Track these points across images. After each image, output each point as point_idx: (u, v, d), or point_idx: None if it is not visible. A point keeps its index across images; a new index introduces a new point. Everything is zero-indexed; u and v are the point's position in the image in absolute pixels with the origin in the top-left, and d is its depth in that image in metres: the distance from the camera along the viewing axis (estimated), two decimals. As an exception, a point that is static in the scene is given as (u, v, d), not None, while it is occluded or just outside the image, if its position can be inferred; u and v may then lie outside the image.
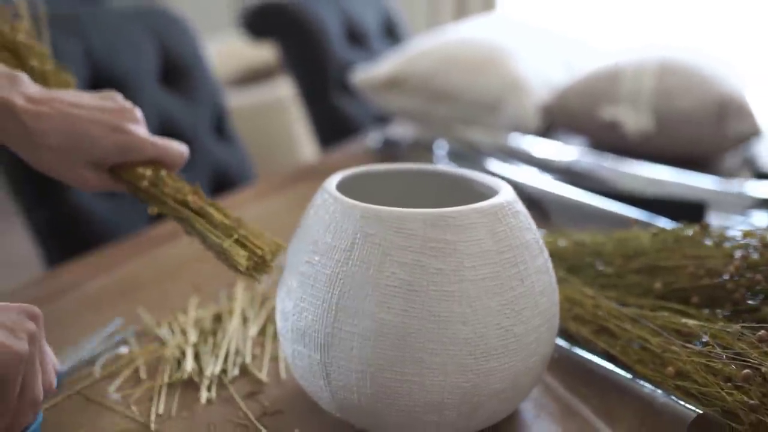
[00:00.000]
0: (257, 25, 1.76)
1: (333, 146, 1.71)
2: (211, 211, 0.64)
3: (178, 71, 1.33)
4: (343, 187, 0.60)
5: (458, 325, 0.51)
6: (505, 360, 0.53)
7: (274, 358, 0.70)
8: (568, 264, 0.76)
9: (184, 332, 0.73)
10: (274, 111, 2.29)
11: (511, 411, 0.59)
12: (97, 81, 1.15)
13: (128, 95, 1.18)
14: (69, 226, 1.09)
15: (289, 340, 0.57)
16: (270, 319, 0.77)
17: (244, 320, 0.76)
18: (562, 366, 0.68)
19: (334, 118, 1.77)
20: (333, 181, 0.60)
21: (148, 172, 0.67)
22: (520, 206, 0.58)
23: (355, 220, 0.54)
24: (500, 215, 0.54)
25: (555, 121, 1.46)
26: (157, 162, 0.68)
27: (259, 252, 0.60)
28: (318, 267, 0.55)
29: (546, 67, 1.54)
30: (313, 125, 1.81)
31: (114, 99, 0.68)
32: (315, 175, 1.31)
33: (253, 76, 2.43)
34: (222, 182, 1.37)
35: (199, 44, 1.41)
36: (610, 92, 1.36)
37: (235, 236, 0.61)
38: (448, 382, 0.52)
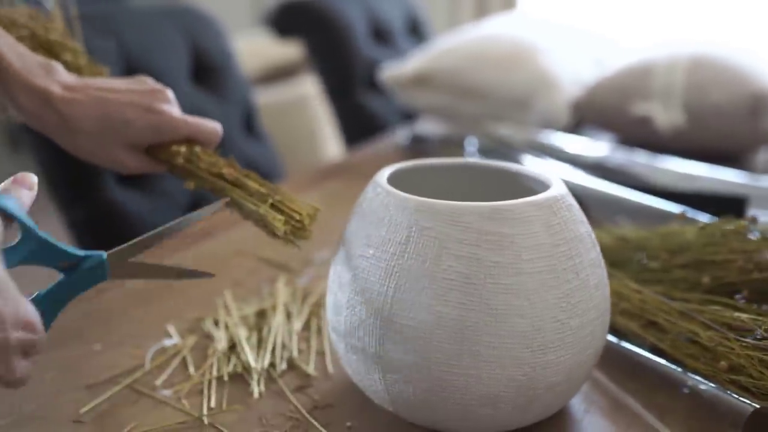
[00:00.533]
0: (283, 23, 1.77)
1: (358, 144, 1.71)
2: (247, 181, 0.65)
3: (208, 69, 1.34)
4: (392, 181, 0.61)
5: (515, 318, 0.51)
6: (561, 353, 0.53)
7: (320, 353, 0.70)
8: (612, 259, 0.76)
9: (228, 327, 0.74)
10: (297, 109, 2.29)
11: (564, 405, 0.59)
12: (130, 79, 1.16)
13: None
14: (105, 224, 1.10)
15: (341, 333, 0.57)
16: (313, 313, 0.77)
17: (288, 315, 0.76)
18: (610, 360, 0.67)
19: (360, 116, 1.77)
20: (384, 174, 0.60)
21: (183, 149, 0.68)
22: (572, 200, 0.58)
23: (409, 213, 0.54)
24: (555, 208, 0.54)
25: (584, 117, 1.45)
26: (192, 140, 0.70)
27: (296, 216, 0.61)
28: (372, 260, 0.55)
29: (574, 63, 1.54)
30: (339, 123, 1.81)
31: (145, 82, 0.70)
32: (345, 171, 1.31)
33: (276, 74, 2.44)
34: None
35: (229, 42, 1.42)
36: (642, 87, 1.36)
37: (271, 201, 0.62)
38: (504, 375, 0.52)
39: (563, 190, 0.57)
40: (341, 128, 1.81)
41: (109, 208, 1.10)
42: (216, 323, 0.75)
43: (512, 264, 0.52)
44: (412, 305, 0.52)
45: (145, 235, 0.56)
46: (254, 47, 2.44)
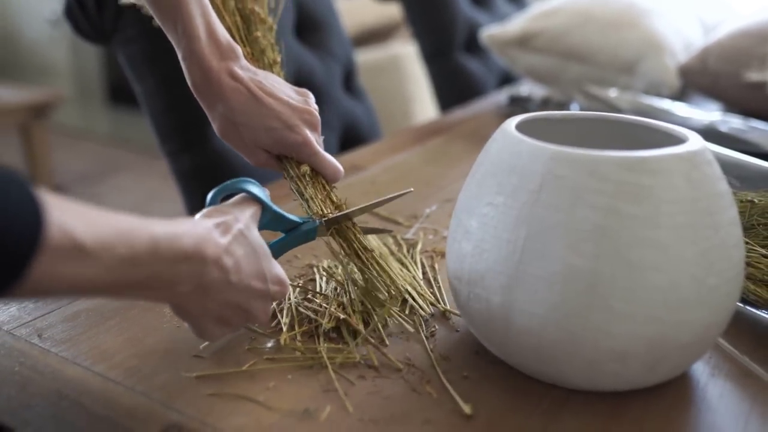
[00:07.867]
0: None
1: (454, 106, 1.69)
2: (348, 234, 0.69)
3: (312, 24, 1.34)
4: (519, 131, 0.59)
5: (652, 273, 0.50)
6: (696, 312, 0.51)
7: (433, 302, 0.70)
8: (736, 223, 0.73)
9: (334, 274, 0.74)
10: (389, 70, 2.28)
11: (689, 366, 0.57)
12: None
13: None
14: (210, 173, 1.12)
15: (465, 282, 0.57)
16: (426, 264, 0.77)
17: (402, 265, 0.76)
18: (734, 326, 0.65)
19: (457, 78, 1.74)
20: (512, 123, 0.59)
21: (308, 169, 0.72)
22: (711, 155, 0.55)
23: (543, 161, 0.52)
24: (696, 162, 0.52)
25: (691, 82, 1.40)
26: (314, 169, 0.74)
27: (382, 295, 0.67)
28: (502, 208, 0.54)
29: (683, 27, 1.48)
30: (435, 85, 1.79)
31: (306, 99, 0.75)
32: (445, 131, 1.30)
33: (369, 36, 2.43)
34: (351, 137, 1.38)
35: (332, -1, 1.42)
36: (756, 53, 1.30)
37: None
38: (636, 332, 0.51)
39: (702, 144, 0.55)
40: (437, 90, 1.79)
41: (215, 157, 1.12)
42: (324, 270, 0.76)
43: (651, 217, 0.50)
44: (543, 255, 0.51)
45: (347, 210, 0.69)
46: (350, 7, 2.44)
